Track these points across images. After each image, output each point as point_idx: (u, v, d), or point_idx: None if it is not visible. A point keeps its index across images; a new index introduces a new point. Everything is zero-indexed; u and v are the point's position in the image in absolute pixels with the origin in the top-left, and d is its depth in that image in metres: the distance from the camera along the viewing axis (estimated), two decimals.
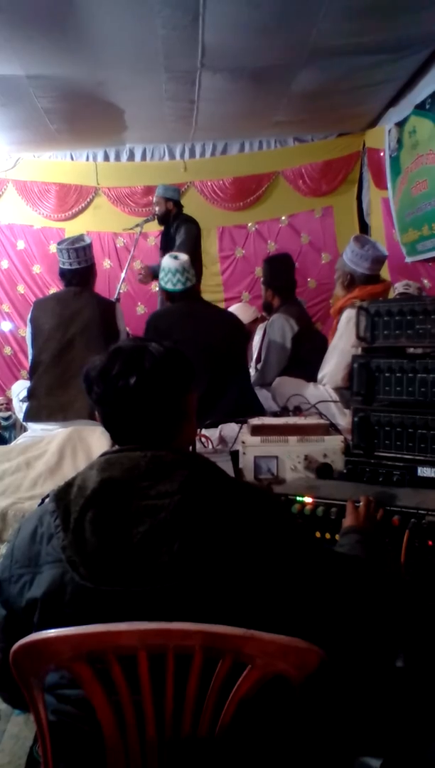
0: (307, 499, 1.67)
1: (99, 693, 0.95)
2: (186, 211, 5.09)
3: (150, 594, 0.99)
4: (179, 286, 2.94)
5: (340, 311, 2.94)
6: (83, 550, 1.02)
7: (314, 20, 3.72)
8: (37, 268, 6.90)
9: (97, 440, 2.11)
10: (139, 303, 6.64)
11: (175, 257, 2.98)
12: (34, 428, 2.69)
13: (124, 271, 5.01)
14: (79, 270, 2.94)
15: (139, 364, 1.14)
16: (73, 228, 6.36)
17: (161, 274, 2.98)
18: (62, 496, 1.09)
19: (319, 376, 2.94)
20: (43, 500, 1.16)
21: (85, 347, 2.74)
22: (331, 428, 2.23)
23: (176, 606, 0.98)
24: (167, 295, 3.03)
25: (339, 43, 4.04)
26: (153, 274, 4.95)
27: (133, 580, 0.99)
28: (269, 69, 4.47)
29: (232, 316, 3.25)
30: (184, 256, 3.01)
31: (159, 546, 1.00)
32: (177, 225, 4.82)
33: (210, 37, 3.95)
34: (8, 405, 6.83)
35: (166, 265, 2.95)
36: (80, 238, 3.02)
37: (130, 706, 0.94)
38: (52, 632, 0.95)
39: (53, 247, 6.30)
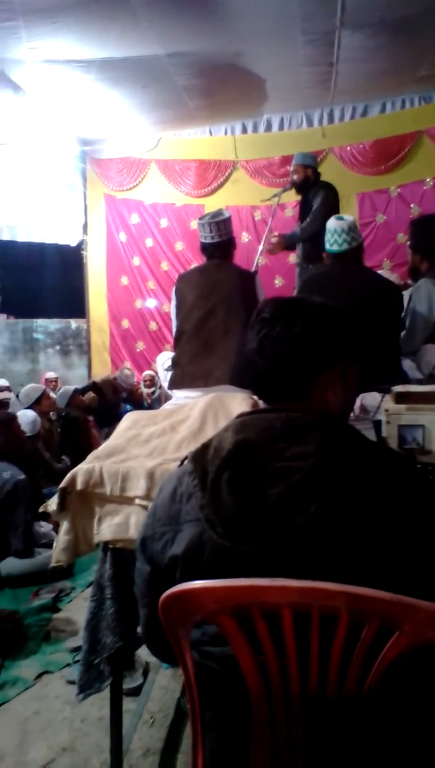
0: None
1: (244, 647, 0.96)
2: (323, 178, 4.95)
3: (285, 556, 0.98)
4: (342, 247, 2.86)
5: None
6: (220, 510, 1.04)
7: None
8: (179, 245, 7.09)
9: (238, 406, 2.12)
10: (278, 276, 6.62)
11: (341, 218, 2.93)
12: (178, 395, 2.78)
13: (262, 243, 5.00)
14: (221, 243, 2.98)
15: (302, 314, 1.15)
16: (212, 204, 6.46)
17: (327, 236, 2.94)
18: (199, 457, 1.12)
19: None
20: (182, 462, 1.19)
21: (226, 316, 2.78)
22: None
23: (312, 569, 0.96)
24: (330, 257, 2.97)
25: None
26: (287, 243, 4.87)
27: (269, 541, 0.99)
28: (412, 19, 4.23)
29: (387, 282, 3.10)
30: (349, 217, 2.97)
31: (295, 508, 0.99)
32: (314, 192, 4.71)
33: None
34: (152, 381, 7.15)
35: (331, 226, 2.91)
36: (219, 212, 3.06)
37: (274, 662, 0.95)
38: (198, 583, 0.97)
39: (194, 224, 6.43)
